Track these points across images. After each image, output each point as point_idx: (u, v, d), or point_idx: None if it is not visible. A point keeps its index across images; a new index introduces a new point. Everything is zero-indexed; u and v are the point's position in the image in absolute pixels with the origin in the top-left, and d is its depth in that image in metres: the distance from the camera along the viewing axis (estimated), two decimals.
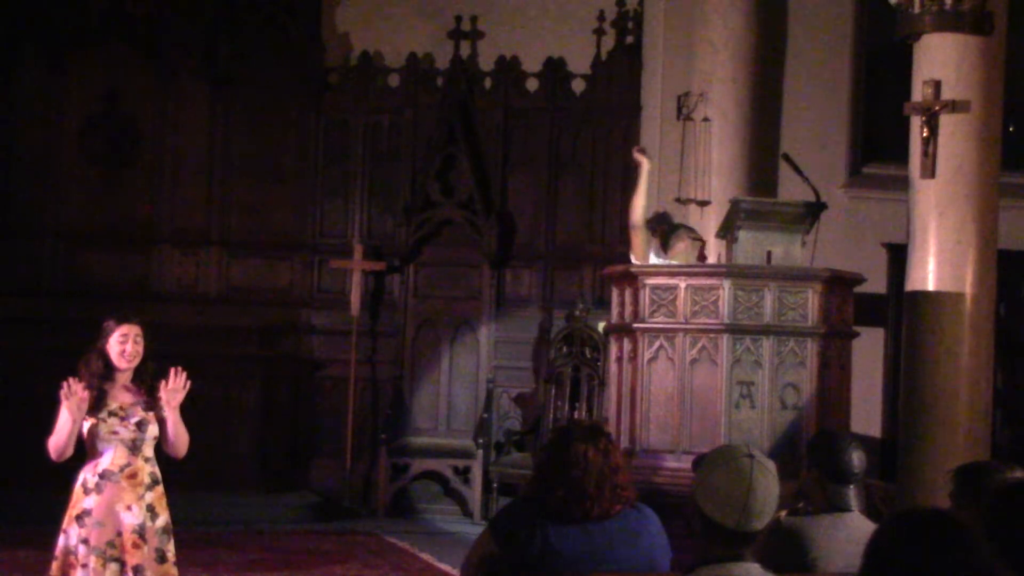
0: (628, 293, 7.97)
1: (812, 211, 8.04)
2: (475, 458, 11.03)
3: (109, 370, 6.23)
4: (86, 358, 6.27)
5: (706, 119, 10.36)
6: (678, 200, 10.39)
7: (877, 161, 11.38)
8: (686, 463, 6.72)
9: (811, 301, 7.70)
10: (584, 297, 11.45)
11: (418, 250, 11.69)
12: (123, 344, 6.21)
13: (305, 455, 11.46)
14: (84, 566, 6.13)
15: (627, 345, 7.95)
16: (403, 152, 11.85)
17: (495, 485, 10.82)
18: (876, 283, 9.28)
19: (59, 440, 6.26)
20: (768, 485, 3.44)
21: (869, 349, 9.33)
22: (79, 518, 6.19)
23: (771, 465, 3.47)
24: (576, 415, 10.96)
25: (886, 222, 10.65)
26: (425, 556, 8.94)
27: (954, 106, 8.41)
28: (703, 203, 10.19)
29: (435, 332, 11.70)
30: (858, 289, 8.17)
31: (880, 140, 11.33)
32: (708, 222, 9.80)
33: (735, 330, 7.60)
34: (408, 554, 9.13)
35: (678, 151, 10.46)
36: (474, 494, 10.99)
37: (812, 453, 5.10)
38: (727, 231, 8.07)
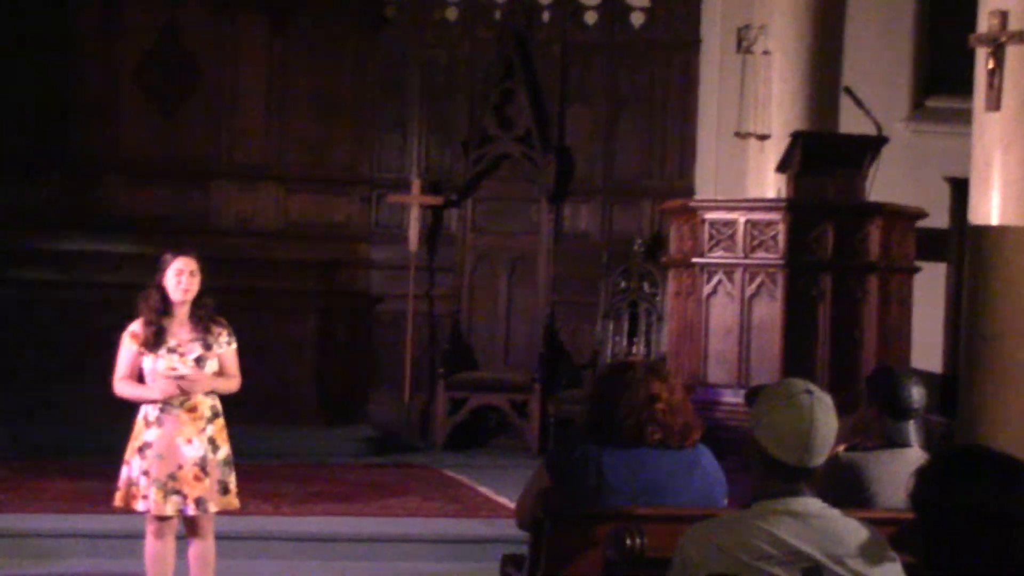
0: (686, 228, 7.93)
1: (874, 145, 7.95)
2: (533, 393, 11.04)
3: (167, 305, 6.28)
4: (145, 293, 6.32)
5: (766, 52, 10.24)
6: (738, 134, 10.30)
7: (940, 94, 11.24)
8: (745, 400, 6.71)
9: (872, 236, 7.63)
10: (642, 232, 11.40)
11: (476, 185, 11.66)
12: (179, 276, 6.26)
13: (363, 389, 11.51)
14: (145, 497, 6.21)
15: (686, 280, 7.92)
16: (460, 86, 11.80)
17: (552, 420, 10.84)
18: (938, 218, 9.16)
19: (120, 375, 6.34)
20: (828, 421, 3.42)
21: (930, 284, 9.23)
22: (141, 450, 6.26)
23: (829, 400, 3.45)
24: (634, 350, 10.95)
25: (949, 156, 10.50)
26: (483, 490, 8.98)
27: (1021, 37, 8.26)
28: (763, 137, 10.09)
29: (493, 267, 11.70)
30: (920, 223, 8.08)
31: (944, 73, 11.17)
32: (768, 156, 9.72)
33: (794, 265, 7.55)
34: (466, 487, 9.17)
35: (738, 85, 10.34)
36: (531, 428, 11.01)
37: (871, 388, 5.07)
38: (787, 165, 7.99)
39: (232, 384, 6.43)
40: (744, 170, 10.39)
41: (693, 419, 4.60)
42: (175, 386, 6.21)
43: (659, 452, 4.52)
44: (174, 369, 6.26)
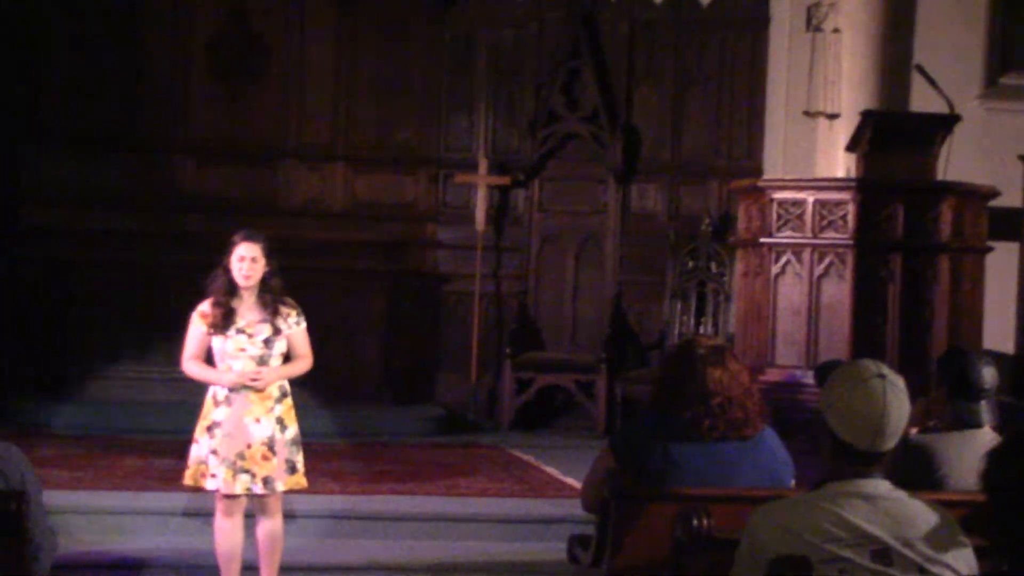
0: (754, 207, 7.87)
1: (945, 123, 7.85)
2: (600, 373, 11.02)
3: (234, 286, 6.32)
4: (213, 274, 6.36)
5: (836, 30, 10.14)
6: (807, 113, 10.22)
7: (1014, 71, 11.08)
8: (813, 379, 6.67)
9: (943, 215, 7.54)
10: (710, 211, 11.34)
11: (543, 164, 11.64)
12: (241, 263, 6.29)
13: (430, 369, 11.54)
14: (214, 476, 6.26)
15: (753, 260, 7.87)
16: (527, 66, 11.77)
17: (619, 400, 10.81)
18: (1011, 197, 9.03)
19: (189, 355, 6.39)
20: (901, 406, 3.39)
21: (1003, 264, 9.11)
22: (209, 429, 6.31)
23: (902, 383, 3.41)
24: (701, 330, 10.90)
25: (1023, 134, 10.37)
26: (550, 470, 8.97)
27: None
28: (832, 116, 10.00)
29: (560, 247, 11.68)
30: (993, 203, 7.98)
31: (1018, 49, 11.01)
32: (837, 135, 9.63)
33: (864, 245, 7.48)
34: (532, 467, 9.17)
35: (807, 63, 10.26)
36: (598, 409, 11.00)
37: (942, 370, 5.03)
38: (857, 144, 7.92)
39: (303, 365, 6.45)
40: (813, 149, 10.31)
41: (756, 408, 4.57)
42: (245, 381, 6.25)
43: (723, 442, 4.51)
44: (243, 350, 6.29)
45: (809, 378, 7.15)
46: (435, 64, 11.74)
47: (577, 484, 8.12)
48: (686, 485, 4.40)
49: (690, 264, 11.17)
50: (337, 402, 9.85)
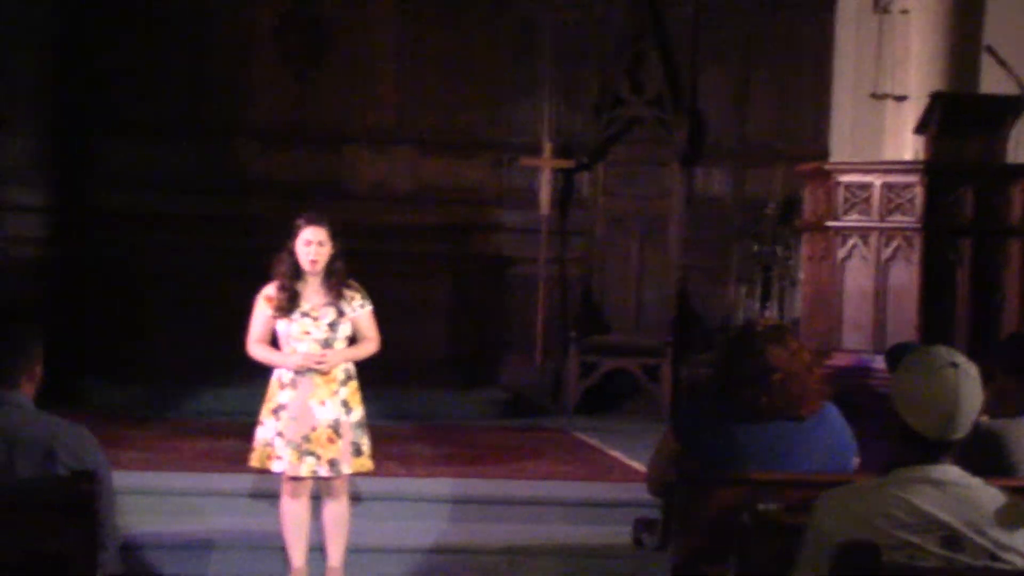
0: (821, 191, 7.82)
1: (1016, 105, 7.76)
2: (665, 357, 11.00)
3: (299, 270, 6.34)
4: (278, 257, 6.39)
5: (904, 11, 10.03)
6: (874, 95, 10.12)
7: None
8: (881, 363, 6.62)
9: (1013, 199, 7.45)
10: (775, 195, 11.27)
11: (607, 148, 11.60)
12: (307, 247, 6.31)
13: (495, 352, 11.55)
14: (280, 458, 6.30)
15: (820, 244, 7.82)
16: (592, 49, 11.73)
17: (684, 384, 10.78)
18: None
19: (254, 338, 6.43)
20: (973, 394, 3.35)
21: None
22: (275, 412, 6.35)
23: (974, 371, 3.37)
24: (767, 314, 10.85)
25: None
26: (615, 453, 8.96)
27: None
28: (900, 98, 9.90)
29: (624, 230, 11.65)
30: None
31: None
32: (905, 117, 9.53)
33: (932, 229, 7.40)
34: (597, 451, 9.17)
35: (874, 44, 10.16)
36: (663, 393, 10.98)
37: (1010, 355, 4.97)
38: (925, 127, 7.84)
39: (368, 348, 6.47)
40: (880, 132, 10.21)
41: (817, 387, 4.55)
42: (310, 363, 6.28)
43: (784, 422, 4.49)
44: (308, 333, 6.32)
45: (876, 363, 7.09)
46: (499, 47, 11.72)
47: (642, 468, 8.10)
48: (748, 466, 4.39)
49: (755, 248, 11.11)
50: (402, 385, 9.89)
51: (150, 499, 7.19)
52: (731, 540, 4.10)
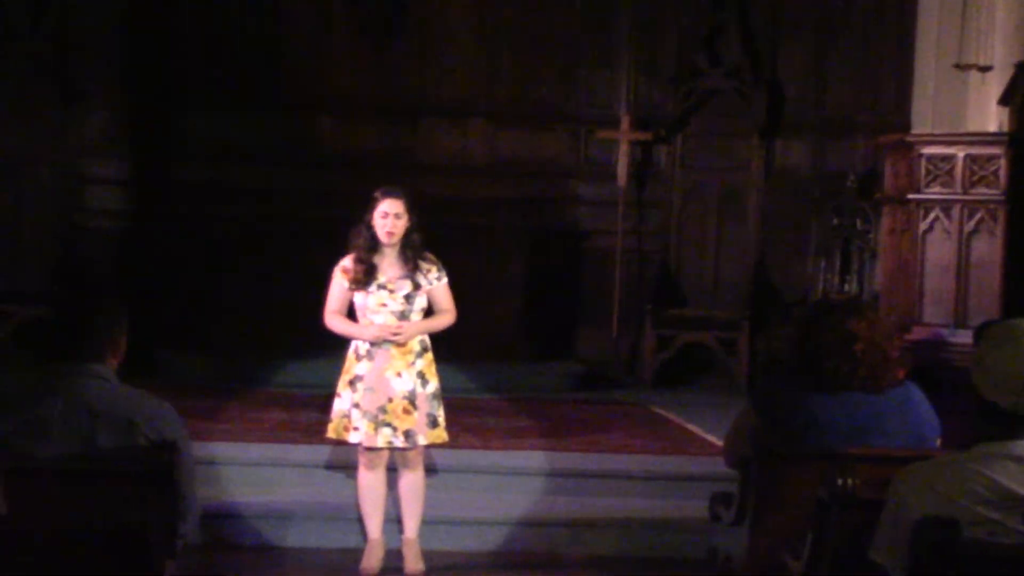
0: (902, 163, 7.74)
1: None
2: (742, 330, 10.93)
3: (376, 242, 6.36)
4: (356, 230, 6.41)
5: None
6: (957, 66, 9.96)
7: None
8: (962, 338, 6.56)
9: None
10: (855, 167, 11.15)
11: (685, 120, 11.52)
12: (384, 219, 6.33)
13: (571, 325, 11.52)
14: (356, 429, 6.33)
15: (900, 217, 7.75)
16: (670, 20, 11.64)
17: (762, 358, 10.71)
18: None
19: (331, 309, 6.46)
20: None
21: None
22: (351, 383, 6.38)
23: None
24: (846, 288, 10.76)
25: None
26: (691, 427, 8.93)
27: None
28: (984, 68, 9.74)
29: (702, 203, 11.56)
30: None
31: None
32: (989, 88, 9.39)
33: (1016, 201, 7.30)
34: (673, 424, 9.14)
35: (959, 14, 9.99)
36: (740, 366, 10.91)
37: None
38: (1010, 98, 7.72)
39: (445, 320, 6.49)
40: (964, 103, 10.05)
41: (897, 359, 4.51)
42: (387, 335, 6.29)
43: (865, 394, 4.46)
44: (384, 305, 6.35)
45: (957, 337, 7.03)
46: (576, 18, 11.66)
47: (718, 442, 8.07)
48: (829, 440, 4.35)
49: (835, 221, 11.00)
50: (478, 357, 9.89)
51: (229, 470, 7.26)
52: (809, 515, 4.07)
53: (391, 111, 11.52)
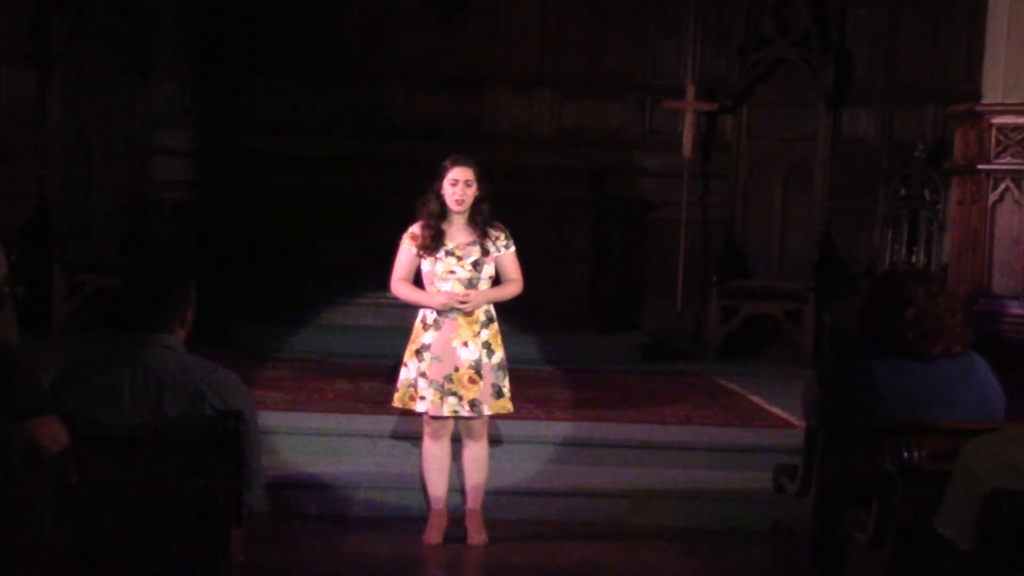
0: (972, 133, 7.66)
1: None
2: (807, 301, 10.87)
3: (445, 210, 6.38)
4: (424, 198, 6.43)
5: None
6: None
7: None
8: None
9: None
10: (924, 137, 11.04)
11: (751, 90, 11.44)
12: (454, 187, 6.35)
13: (636, 296, 11.51)
14: (423, 398, 6.36)
15: (970, 187, 7.67)
16: None
17: (827, 329, 10.65)
18: None
19: (398, 276, 6.49)
20: None
21: None
22: (418, 352, 6.40)
23: None
24: (913, 259, 10.67)
25: None
26: (755, 399, 8.90)
27: None
28: None
29: (768, 173, 11.49)
30: None
31: None
32: None
33: None
34: (738, 396, 9.11)
35: None
36: (806, 338, 10.86)
37: None
38: None
39: (512, 288, 6.49)
40: None
41: (959, 330, 4.48)
42: (454, 302, 6.31)
43: (929, 364, 4.44)
44: (452, 272, 6.36)
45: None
46: None
47: (783, 414, 8.09)
48: (895, 409, 4.33)
49: (903, 191, 10.92)
50: (543, 328, 9.91)
51: (294, 439, 7.31)
52: (873, 487, 4.06)
53: (457, 81, 11.53)
